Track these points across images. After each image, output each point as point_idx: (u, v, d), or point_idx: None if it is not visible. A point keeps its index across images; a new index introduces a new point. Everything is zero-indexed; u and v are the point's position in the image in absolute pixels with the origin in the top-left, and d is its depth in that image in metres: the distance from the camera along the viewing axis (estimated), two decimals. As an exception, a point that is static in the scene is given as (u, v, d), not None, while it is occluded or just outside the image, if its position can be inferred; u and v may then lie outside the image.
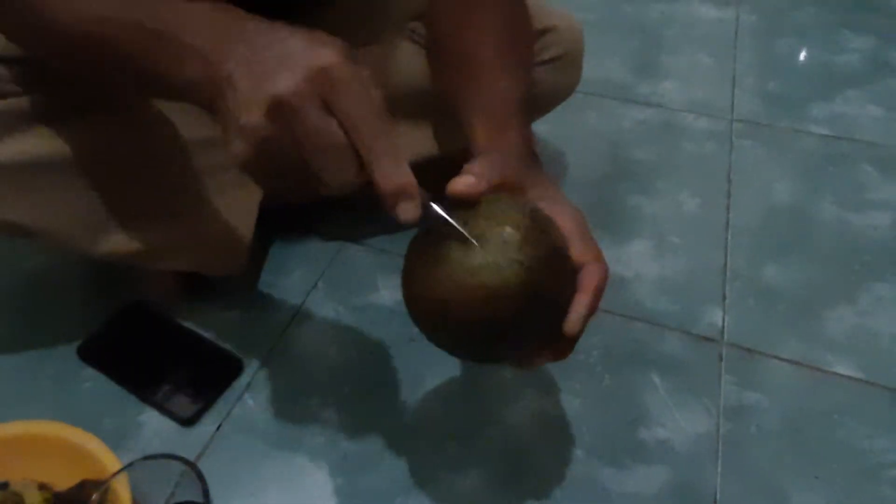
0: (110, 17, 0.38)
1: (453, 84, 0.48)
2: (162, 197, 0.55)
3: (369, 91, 0.32)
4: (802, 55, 0.95)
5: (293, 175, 0.33)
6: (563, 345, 0.39)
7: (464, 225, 0.36)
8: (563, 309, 0.37)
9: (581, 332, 0.38)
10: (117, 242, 0.53)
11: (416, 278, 0.37)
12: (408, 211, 0.33)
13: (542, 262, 0.36)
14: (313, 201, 0.67)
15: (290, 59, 0.31)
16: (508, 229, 0.35)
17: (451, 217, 0.35)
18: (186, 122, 0.53)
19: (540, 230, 0.36)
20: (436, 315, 0.37)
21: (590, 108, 0.85)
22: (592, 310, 0.38)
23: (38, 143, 0.48)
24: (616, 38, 0.97)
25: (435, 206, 0.35)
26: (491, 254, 0.35)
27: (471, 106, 0.46)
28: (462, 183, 0.37)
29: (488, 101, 0.45)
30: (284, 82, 0.30)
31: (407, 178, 0.32)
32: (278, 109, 0.31)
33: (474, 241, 0.35)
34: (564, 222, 0.39)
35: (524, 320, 0.36)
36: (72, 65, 0.44)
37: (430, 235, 0.37)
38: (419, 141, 0.61)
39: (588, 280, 0.38)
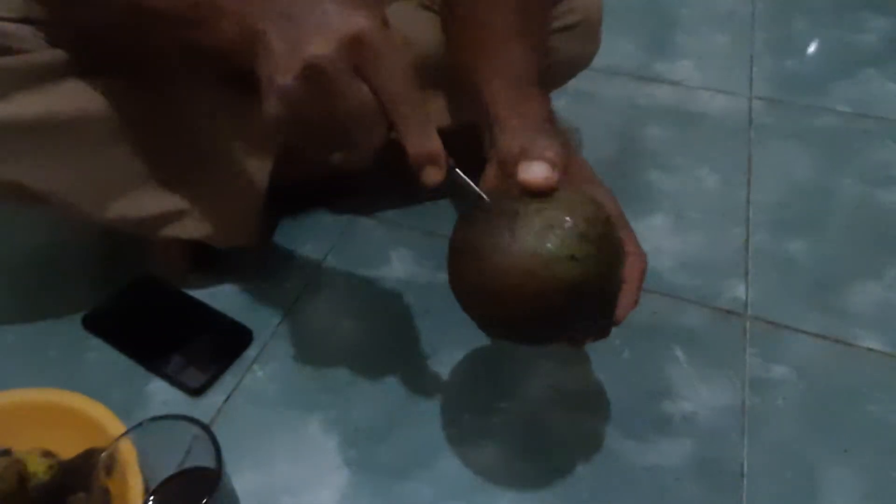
0: None
1: (468, 52, 0.46)
2: (172, 163, 0.53)
3: (401, 58, 0.32)
4: (820, 35, 0.93)
5: (322, 137, 0.34)
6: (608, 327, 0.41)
7: (521, 212, 0.35)
8: (615, 295, 0.38)
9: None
10: (125, 209, 0.51)
11: (466, 268, 0.37)
12: (432, 175, 0.34)
13: (604, 254, 0.35)
14: (326, 178, 0.66)
15: (325, 24, 0.31)
16: (570, 218, 0.35)
17: (473, 183, 0.36)
18: (199, 89, 0.51)
19: (602, 220, 0.36)
20: (491, 305, 0.37)
21: (605, 85, 0.83)
22: (637, 299, 0.40)
23: (46, 102, 0.46)
24: (632, 16, 0.95)
25: (459, 172, 0.35)
26: (553, 243, 0.34)
27: (487, 75, 0.44)
28: (538, 173, 0.35)
29: (506, 70, 0.44)
30: (318, 48, 0.31)
31: (436, 144, 0.33)
32: (311, 74, 0.31)
33: (511, 212, 0.35)
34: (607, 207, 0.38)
35: (581, 309, 0.36)
36: (109, 29, 0.43)
37: (477, 223, 0.36)
38: (433, 112, 0.60)
39: (632, 271, 0.39)
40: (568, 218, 0.34)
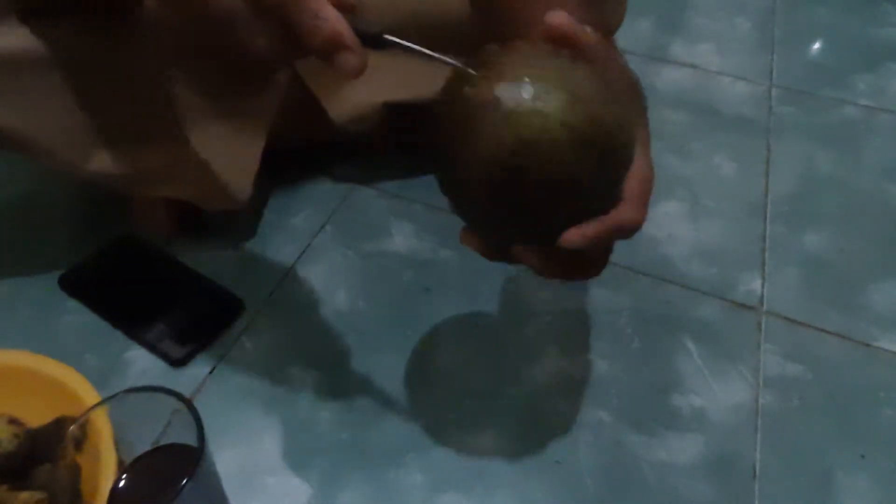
0: None
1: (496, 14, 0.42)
2: (161, 116, 0.50)
3: None
4: (841, 27, 0.90)
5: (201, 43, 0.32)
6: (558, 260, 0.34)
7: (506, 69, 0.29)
8: (595, 198, 0.31)
9: (580, 248, 0.32)
10: (109, 160, 0.48)
11: (441, 142, 0.32)
12: (349, 61, 0.29)
13: (589, 143, 0.29)
14: (326, 144, 0.63)
15: None
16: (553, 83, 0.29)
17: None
18: (193, 41, 0.48)
19: (603, 108, 0.30)
20: (459, 171, 0.31)
21: (620, 64, 0.80)
22: (597, 240, 0.32)
23: (24, 39, 0.42)
24: (650, -3, 0.92)
25: (395, 39, 0.30)
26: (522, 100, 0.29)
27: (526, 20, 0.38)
28: (563, 17, 0.30)
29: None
30: None
31: (333, 24, 0.28)
32: None
33: (471, 71, 0.29)
34: (635, 174, 0.33)
35: (549, 194, 0.30)
36: None
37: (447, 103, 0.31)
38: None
39: (615, 215, 0.32)
40: (546, 80, 0.29)
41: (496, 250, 0.35)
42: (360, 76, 0.30)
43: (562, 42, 0.31)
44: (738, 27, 0.88)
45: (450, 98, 0.31)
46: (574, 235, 0.31)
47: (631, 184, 0.33)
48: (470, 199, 0.32)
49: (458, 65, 0.31)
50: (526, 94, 0.29)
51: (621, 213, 0.33)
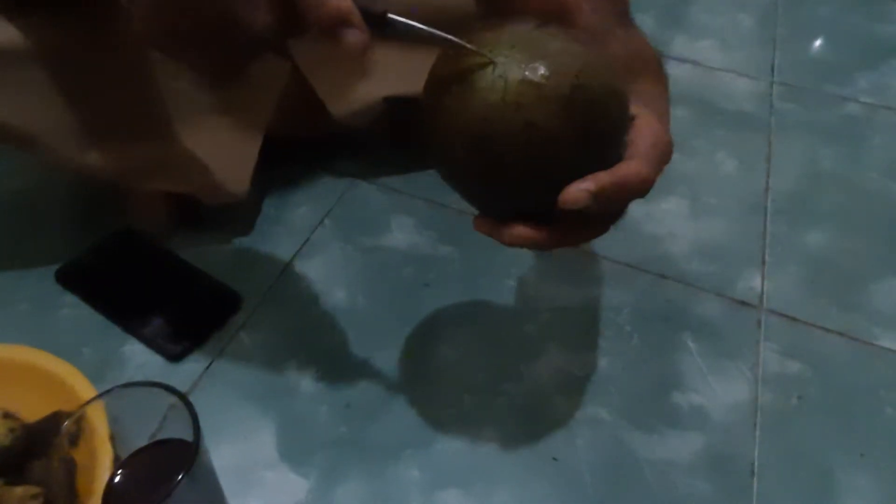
0: None
1: None
2: (159, 110, 0.49)
3: None
4: (844, 23, 0.90)
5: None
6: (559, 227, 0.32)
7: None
8: (567, 175, 0.31)
9: (582, 207, 0.30)
10: (103, 154, 0.47)
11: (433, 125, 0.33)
12: (352, 37, 0.28)
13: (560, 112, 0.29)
14: (326, 138, 0.62)
15: None
16: (535, 63, 0.29)
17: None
18: (187, 20, 0.47)
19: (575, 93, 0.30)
20: (458, 158, 0.32)
21: (622, 60, 0.79)
22: (600, 195, 0.30)
23: (9, 33, 0.42)
24: (652, -10, 0.91)
25: (398, 18, 0.30)
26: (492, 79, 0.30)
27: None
28: None
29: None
30: None
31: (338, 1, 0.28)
32: None
33: (486, 55, 0.30)
34: (634, 135, 0.32)
35: (524, 163, 0.31)
36: None
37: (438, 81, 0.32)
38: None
39: (618, 168, 0.31)
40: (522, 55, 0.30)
41: (502, 229, 0.33)
42: (363, 57, 0.29)
43: (553, 15, 0.32)
44: (741, 23, 0.88)
45: (435, 72, 0.32)
46: (574, 192, 0.29)
47: (637, 143, 0.32)
48: (454, 170, 0.33)
49: (460, 42, 0.30)
50: (492, 59, 0.30)
51: (625, 166, 0.31)
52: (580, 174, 0.30)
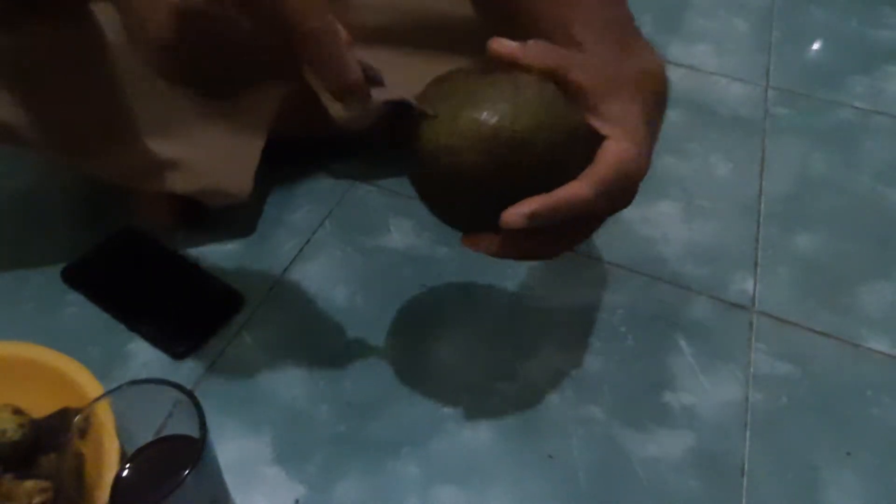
0: None
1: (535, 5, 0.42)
2: (163, 114, 0.50)
3: None
4: (839, 28, 0.91)
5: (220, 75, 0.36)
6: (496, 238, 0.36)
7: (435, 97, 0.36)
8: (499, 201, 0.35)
9: (523, 225, 0.34)
10: (115, 156, 0.49)
11: (406, 164, 0.38)
12: (353, 104, 0.34)
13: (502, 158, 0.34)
14: (326, 140, 0.63)
15: None
16: (475, 114, 0.34)
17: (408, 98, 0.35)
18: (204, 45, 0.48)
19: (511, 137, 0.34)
20: (421, 191, 0.39)
21: (619, 64, 0.80)
22: (538, 217, 0.34)
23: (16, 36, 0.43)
24: (649, -4, 0.92)
25: (390, 90, 0.35)
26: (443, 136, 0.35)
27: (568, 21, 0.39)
28: (499, 43, 0.35)
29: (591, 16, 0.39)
30: None
31: (351, 76, 0.32)
32: (183, 15, 0.31)
33: (429, 111, 0.35)
34: (598, 156, 0.35)
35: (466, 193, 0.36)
36: None
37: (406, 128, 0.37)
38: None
39: (557, 191, 0.34)
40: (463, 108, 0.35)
41: (465, 237, 0.38)
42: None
43: (505, 62, 0.35)
44: (736, 28, 0.89)
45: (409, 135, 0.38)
46: (511, 215, 0.34)
47: (597, 164, 0.35)
48: (419, 194, 0.39)
49: (408, 99, 0.36)
50: (434, 112, 0.35)
51: (564, 189, 0.34)
52: (516, 200, 0.34)
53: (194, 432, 0.35)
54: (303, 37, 0.30)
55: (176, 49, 0.33)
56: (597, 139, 0.36)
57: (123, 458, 0.37)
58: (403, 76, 0.56)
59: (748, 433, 0.47)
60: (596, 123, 0.36)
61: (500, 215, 0.34)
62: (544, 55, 0.35)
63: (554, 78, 0.36)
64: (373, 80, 0.35)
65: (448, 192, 0.36)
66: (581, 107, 0.36)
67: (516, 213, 0.34)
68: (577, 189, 0.34)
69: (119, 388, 0.36)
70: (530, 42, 0.35)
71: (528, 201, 0.34)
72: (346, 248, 0.58)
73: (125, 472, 0.36)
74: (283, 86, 0.53)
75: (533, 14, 0.40)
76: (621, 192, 0.36)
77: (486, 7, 0.49)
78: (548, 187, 0.35)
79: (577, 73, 0.36)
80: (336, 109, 0.58)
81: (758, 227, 0.62)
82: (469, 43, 0.55)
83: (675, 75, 0.80)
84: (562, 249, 0.38)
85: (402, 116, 0.36)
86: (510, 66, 0.36)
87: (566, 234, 0.37)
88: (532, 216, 0.33)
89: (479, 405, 0.48)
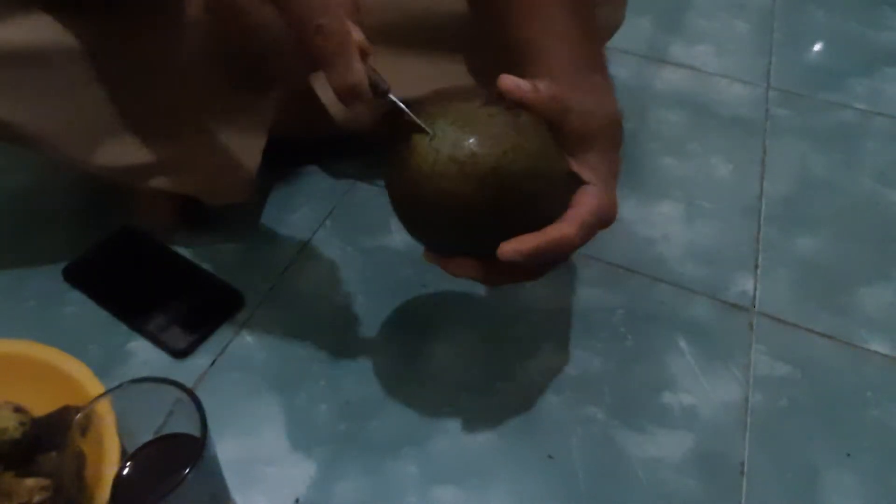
0: None
1: (511, 20, 0.43)
2: (166, 110, 0.50)
3: None
4: (839, 30, 0.91)
5: (244, 62, 0.37)
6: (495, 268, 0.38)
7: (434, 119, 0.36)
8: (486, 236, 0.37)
9: (521, 261, 0.36)
10: (115, 154, 0.49)
11: (388, 173, 0.39)
12: (357, 107, 0.35)
13: (489, 192, 0.35)
14: (327, 139, 0.63)
15: None
16: (470, 138, 0.35)
17: (409, 109, 0.36)
18: (197, 36, 0.48)
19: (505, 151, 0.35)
20: (400, 208, 0.39)
21: (620, 65, 0.80)
22: (533, 255, 0.36)
23: (31, 32, 0.43)
24: (650, -3, 0.92)
25: (393, 97, 0.36)
26: (435, 155, 0.35)
27: (540, 48, 0.41)
28: (512, 81, 0.36)
29: (561, 45, 0.41)
30: None
31: (355, 76, 0.33)
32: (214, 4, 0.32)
33: (428, 130, 0.36)
34: (579, 199, 0.38)
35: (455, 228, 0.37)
36: None
37: (397, 137, 0.38)
38: (451, 74, 0.57)
39: (550, 231, 0.37)
40: (460, 131, 0.35)
41: (448, 261, 0.39)
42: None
43: (509, 98, 0.37)
44: (737, 29, 0.89)
45: (396, 143, 0.38)
46: (509, 252, 0.36)
47: (578, 207, 0.38)
48: (396, 211, 0.40)
49: (410, 114, 0.36)
50: (432, 134, 0.36)
51: (556, 229, 0.37)
52: (496, 234, 0.36)
53: (194, 431, 0.35)
54: (312, 32, 0.31)
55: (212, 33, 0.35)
56: (574, 181, 0.39)
57: (124, 457, 0.37)
58: (402, 76, 0.57)
59: (748, 434, 0.47)
60: (579, 170, 0.39)
61: (498, 250, 0.36)
62: (550, 102, 0.37)
63: (552, 123, 0.38)
64: (376, 86, 0.35)
65: (431, 213, 0.37)
66: (566, 151, 0.39)
67: (514, 251, 0.36)
68: (566, 230, 0.37)
69: (120, 386, 0.36)
70: (540, 85, 0.37)
71: (524, 240, 0.36)
72: (346, 247, 0.58)
73: (125, 471, 0.37)
74: (293, 86, 0.54)
75: (512, 42, 0.42)
76: (596, 232, 0.39)
77: (475, 11, 0.50)
78: (528, 222, 0.37)
79: (573, 121, 0.38)
80: (336, 110, 0.58)
81: (758, 228, 0.62)
82: (464, 41, 0.55)
83: (675, 76, 0.80)
84: (539, 276, 0.41)
85: (399, 119, 0.37)
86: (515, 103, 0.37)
87: (546, 264, 0.40)
88: (528, 254, 0.36)
89: (478, 405, 0.48)
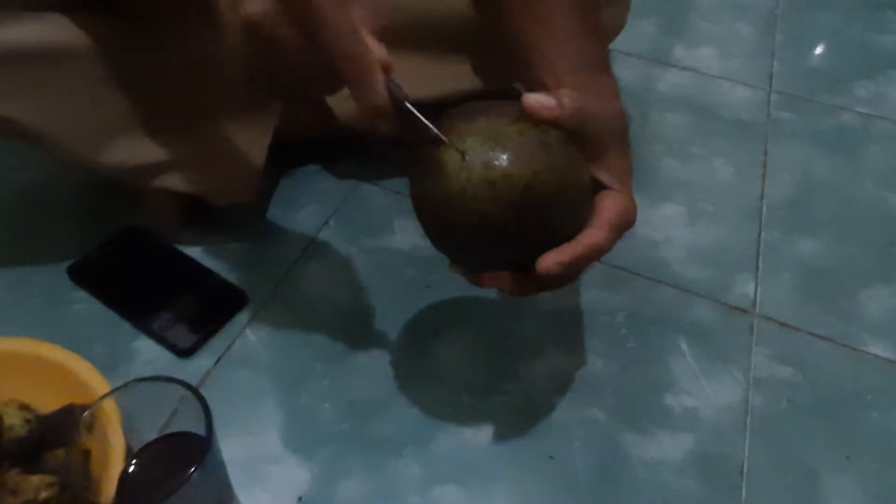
0: None
1: (516, 21, 0.44)
2: (173, 110, 0.51)
3: (340, 15, 0.32)
4: (842, 33, 0.91)
5: (276, 84, 0.38)
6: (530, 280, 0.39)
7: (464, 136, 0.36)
8: (527, 243, 0.37)
9: (556, 273, 0.37)
10: (123, 154, 0.49)
11: (413, 186, 0.39)
12: (381, 127, 0.36)
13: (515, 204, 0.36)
14: (331, 140, 0.64)
15: None
16: (501, 155, 0.35)
17: (428, 117, 0.36)
18: (204, 36, 0.48)
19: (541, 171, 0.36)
20: (429, 224, 0.39)
21: (623, 67, 0.81)
22: (573, 265, 0.37)
23: (45, 31, 0.43)
24: (653, 0, 0.92)
25: (410, 106, 0.35)
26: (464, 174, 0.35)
27: (546, 49, 0.41)
28: (535, 101, 0.36)
29: (567, 46, 0.41)
30: (252, 5, 0.32)
31: (378, 98, 0.33)
32: (255, 30, 0.33)
33: (444, 139, 0.36)
34: (604, 204, 0.38)
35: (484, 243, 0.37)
36: None
37: (420, 151, 0.38)
38: (456, 75, 0.57)
39: (585, 238, 0.38)
40: (487, 145, 0.35)
41: (479, 275, 0.40)
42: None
43: (535, 118, 0.37)
44: (740, 32, 0.89)
45: (421, 153, 0.38)
46: (550, 263, 0.36)
47: (604, 212, 0.39)
48: (424, 226, 0.40)
49: (439, 134, 0.36)
50: (462, 153, 0.36)
51: (590, 236, 0.38)
52: (527, 249, 0.37)
53: (199, 429, 0.35)
54: (338, 60, 0.32)
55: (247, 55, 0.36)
56: (595, 185, 0.39)
57: (129, 455, 0.37)
58: (408, 77, 0.57)
59: (748, 436, 0.48)
60: (602, 177, 0.40)
61: (537, 264, 0.36)
62: (574, 114, 0.37)
63: (574, 133, 0.38)
64: (395, 98, 0.35)
65: (462, 232, 0.37)
66: (588, 160, 0.39)
67: (555, 263, 0.36)
68: (597, 236, 0.38)
69: (125, 384, 0.36)
70: (564, 100, 0.37)
71: (562, 251, 0.37)
72: (350, 247, 0.59)
73: (131, 469, 0.37)
74: (312, 99, 0.56)
75: (518, 43, 0.43)
76: (622, 234, 0.40)
77: (481, 11, 0.50)
78: (559, 233, 0.37)
79: (590, 127, 0.38)
80: (341, 110, 0.58)
81: (760, 231, 0.62)
82: (468, 41, 0.55)
83: (678, 79, 0.80)
84: (568, 283, 0.41)
85: (409, 116, 0.37)
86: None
87: (578, 270, 0.41)
88: (568, 265, 0.37)
89: (481, 405, 0.49)
